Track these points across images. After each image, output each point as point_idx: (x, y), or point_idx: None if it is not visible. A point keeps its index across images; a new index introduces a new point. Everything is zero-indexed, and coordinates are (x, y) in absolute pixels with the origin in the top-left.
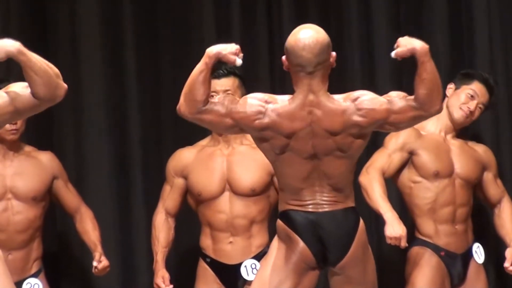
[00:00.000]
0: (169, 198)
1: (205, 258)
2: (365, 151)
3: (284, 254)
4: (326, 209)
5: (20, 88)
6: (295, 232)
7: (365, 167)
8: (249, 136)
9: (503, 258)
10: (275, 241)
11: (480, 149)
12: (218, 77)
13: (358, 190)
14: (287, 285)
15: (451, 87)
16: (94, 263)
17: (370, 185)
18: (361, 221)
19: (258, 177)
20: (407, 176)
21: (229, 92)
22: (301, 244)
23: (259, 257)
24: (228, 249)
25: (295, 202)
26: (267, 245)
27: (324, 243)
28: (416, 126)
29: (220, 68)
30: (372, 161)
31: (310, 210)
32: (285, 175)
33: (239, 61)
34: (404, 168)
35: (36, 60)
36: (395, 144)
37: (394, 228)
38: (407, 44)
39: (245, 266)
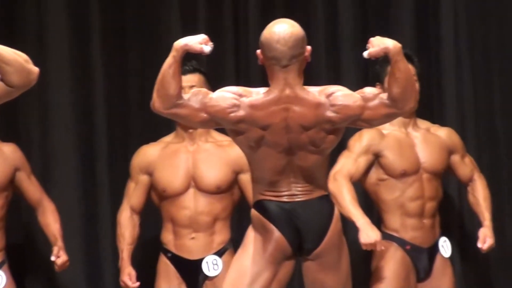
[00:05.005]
0: (134, 195)
1: (166, 253)
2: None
3: (261, 244)
4: (301, 199)
5: None
6: (271, 222)
7: (332, 174)
8: (214, 133)
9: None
10: (251, 231)
11: (444, 133)
12: (184, 73)
13: None
14: (265, 276)
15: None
16: (52, 258)
17: (339, 193)
18: (336, 209)
19: (223, 174)
20: (375, 176)
21: (195, 88)
22: (276, 233)
23: (220, 253)
24: (190, 244)
25: (270, 193)
26: (229, 242)
27: (299, 231)
28: (377, 126)
29: (185, 64)
30: (338, 166)
31: (285, 200)
32: (260, 168)
33: (207, 48)
34: (371, 169)
35: (3, 50)
36: (359, 148)
37: (369, 234)
38: (379, 43)
39: (207, 262)
